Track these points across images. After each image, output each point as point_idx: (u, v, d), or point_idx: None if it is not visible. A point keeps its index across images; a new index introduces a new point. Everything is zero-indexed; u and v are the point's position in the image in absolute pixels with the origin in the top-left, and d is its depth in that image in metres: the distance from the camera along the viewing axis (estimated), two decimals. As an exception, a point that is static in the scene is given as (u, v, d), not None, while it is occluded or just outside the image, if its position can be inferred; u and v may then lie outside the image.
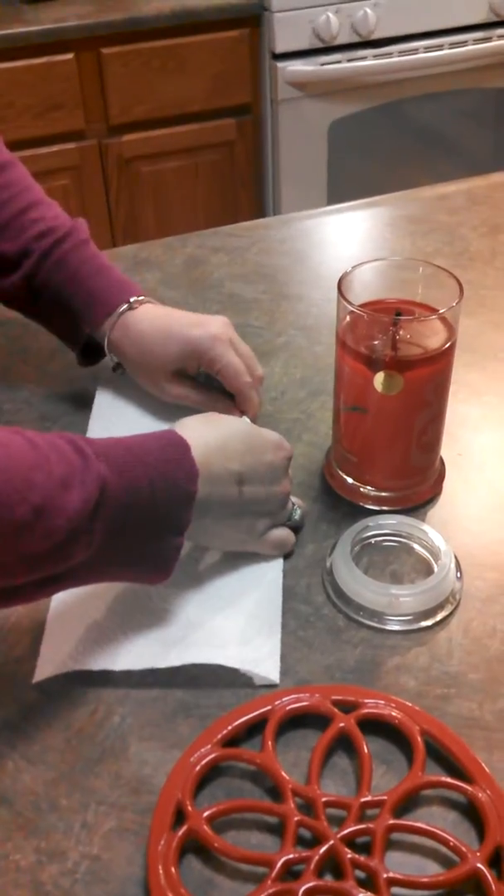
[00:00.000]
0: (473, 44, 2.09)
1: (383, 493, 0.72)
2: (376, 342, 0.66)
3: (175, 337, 0.77)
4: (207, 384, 0.79)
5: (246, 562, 0.67)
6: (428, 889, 0.49)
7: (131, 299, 0.79)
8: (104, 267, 0.81)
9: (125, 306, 0.78)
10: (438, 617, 0.63)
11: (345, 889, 0.48)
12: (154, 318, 0.78)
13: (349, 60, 2.02)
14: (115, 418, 0.81)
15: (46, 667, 0.60)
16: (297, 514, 0.69)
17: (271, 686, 0.59)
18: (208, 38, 1.92)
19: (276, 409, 0.83)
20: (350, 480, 0.73)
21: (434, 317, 0.65)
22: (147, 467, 0.57)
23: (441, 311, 0.65)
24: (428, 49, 2.06)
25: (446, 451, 0.76)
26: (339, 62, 2.01)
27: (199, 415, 0.65)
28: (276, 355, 0.89)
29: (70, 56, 1.84)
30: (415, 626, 0.63)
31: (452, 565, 0.65)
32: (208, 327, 0.76)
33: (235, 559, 0.68)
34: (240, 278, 1.01)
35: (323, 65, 2.00)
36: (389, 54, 2.04)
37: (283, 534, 0.68)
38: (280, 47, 1.95)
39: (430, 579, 0.64)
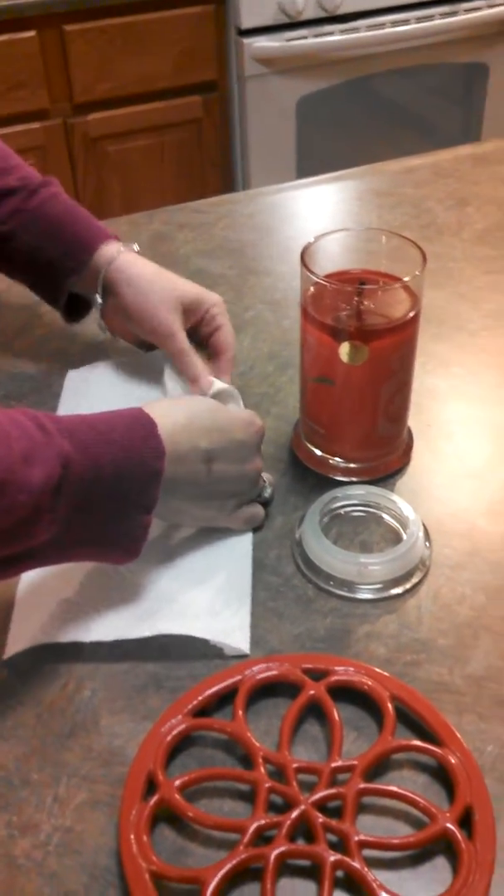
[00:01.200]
0: (440, 18, 2.08)
1: (352, 465, 0.72)
2: (341, 313, 0.66)
3: (182, 283, 0.77)
4: None
5: (216, 535, 0.67)
6: (399, 850, 0.50)
7: (135, 247, 0.79)
8: (85, 214, 0.80)
9: (124, 248, 0.78)
10: (408, 585, 0.64)
11: (317, 852, 0.49)
12: (154, 266, 0.78)
13: (316, 36, 2.00)
14: (84, 402, 0.80)
15: (17, 642, 0.60)
16: (268, 492, 0.69)
17: (242, 656, 0.60)
18: (173, 15, 1.90)
19: (245, 384, 0.82)
20: (318, 452, 0.73)
21: (398, 285, 0.65)
22: (112, 445, 0.56)
23: (405, 280, 0.64)
24: (395, 24, 2.05)
25: (415, 422, 0.76)
26: (305, 38, 1.99)
27: (167, 398, 0.65)
28: (244, 330, 0.89)
29: (32, 34, 1.81)
30: (384, 595, 0.63)
31: (421, 534, 0.66)
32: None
33: (206, 532, 0.68)
34: (206, 254, 1.01)
35: (289, 41, 1.98)
36: (356, 29, 2.02)
37: (253, 510, 0.68)
38: (246, 23, 1.93)
39: (399, 547, 0.64)
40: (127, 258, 0.77)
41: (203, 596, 0.63)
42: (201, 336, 0.78)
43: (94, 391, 0.81)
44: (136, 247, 0.80)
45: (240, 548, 0.67)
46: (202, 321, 0.77)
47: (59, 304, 0.81)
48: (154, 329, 0.76)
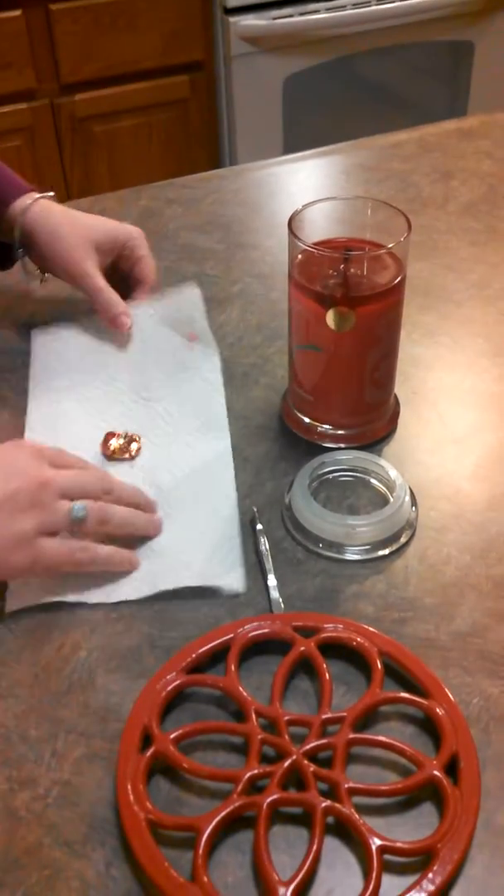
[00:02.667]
0: (426, -5, 2.08)
1: (340, 431, 0.73)
2: (328, 280, 0.67)
3: (96, 223, 0.79)
4: None
5: (200, 492, 0.69)
6: (388, 796, 0.51)
7: (49, 193, 0.80)
8: (5, 172, 0.81)
9: (41, 195, 0.80)
10: (395, 546, 0.65)
11: (307, 799, 0.50)
12: (69, 212, 0.80)
13: (301, 14, 2.00)
14: (56, 364, 0.80)
15: (18, 598, 0.61)
16: (81, 513, 0.62)
17: (234, 616, 0.61)
18: (159, -7, 1.90)
19: (233, 355, 0.83)
20: (307, 420, 0.74)
21: (383, 251, 0.66)
22: None
23: (390, 246, 0.66)
24: (380, 1, 2.05)
25: (401, 389, 0.77)
26: (291, 16, 1.99)
27: None
28: (232, 302, 0.90)
29: (18, 13, 1.80)
30: (372, 556, 0.65)
31: (407, 497, 0.67)
32: (127, 224, 0.81)
33: (189, 482, 0.70)
34: (195, 229, 1.01)
35: (275, 19, 1.98)
36: (342, 7, 2.02)
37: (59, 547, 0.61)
38: (232, 1, 1.93)
39: (386, 509, 0.65)
40: (40, 207, 0.79)
41: (194, 545, 0.65)
42: (122, 271, 0.80)
43: (63, 351, 0.81)
44: (51, 194, 0.81)
45: (223, 490, 0.69)
46: (121, 257, 0.79)
47: None
48: (68, 271, 0.79)
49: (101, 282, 0.78)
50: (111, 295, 0.78)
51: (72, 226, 0.79)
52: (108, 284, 0.79)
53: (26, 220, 0.79)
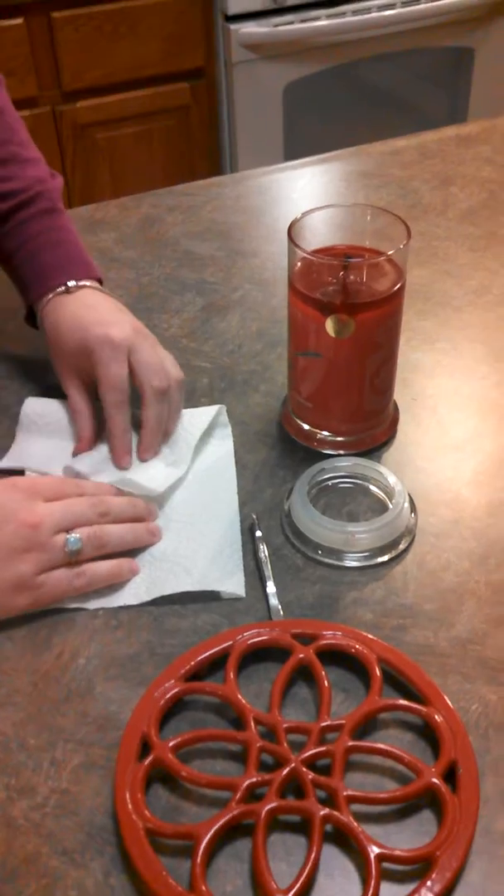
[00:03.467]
0: (426, 2, 2.08)
1: (339, 438, 0.73)
2: (327, 287, 0.67)
3: (79, 332, 0.71)
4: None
5: (202, 495, 0.70)
6: (386, 804, 0.51)
7: (69, 283, 0.75)
8: (62, 241, 0.78)
9: (61, 289, 0.75)
10: (394, 552, 0.65)
11: (306, 807, 0.50)
12: (79, 307, 0.73)
13: (302, 21, 2.01)
14: (38, 438, 0.75)
15: None
16: (76, 545, 0.62)
17: (232, 623, 0.61)
18: (160, 1, 1.90)
19: (234, 362, 0.84)
20: (306, 427, 0.74)
21: (382, 258, 0.66)
22: None
23: (389, 253, 0.66)
24: (381, 8, 2.05)
25: (400, 395, 0.77)
26: (292, 23, 2.00)
27: None
28: (233, 309, 0.90)
29: (20, 21, 1.81)
30: (371, 562, 0.65)
31: (406, 504, 0.67)
32: (109, 328, 0.70)
33: (191, 495, 0.70)
34: (195, 236, 1.02)
35: (276, 26, 1.99)
36: (342, 14, 2.03)
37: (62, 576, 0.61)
38: (232, 9, 1.94)
39: (385, 516, 0.65)
40: (51, 306, 0.75)
41: (194, 549, 0.65)
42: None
43: (50, 425, 0.76)
44: (86, 283, 0.76)
45: (225, 494, 0.69)
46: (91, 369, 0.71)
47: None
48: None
49: (73, 402, 0.73)
50: (82, 422, 0.72)
51: (55, 337, 0.73)
52: (85, 400, 0.73)
53: (41, 315, 0.76)
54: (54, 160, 2.00)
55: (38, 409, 0.76)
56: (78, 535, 0.62)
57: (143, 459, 0.71)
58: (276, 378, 0.82)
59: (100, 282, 0.78)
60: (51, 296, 0.75)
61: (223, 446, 0.74)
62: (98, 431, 0.73)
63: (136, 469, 0.70)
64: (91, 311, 0.73)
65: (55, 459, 0.72)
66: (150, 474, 0.70)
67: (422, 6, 2.08)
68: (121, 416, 0.70)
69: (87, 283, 0.76)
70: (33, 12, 1.82)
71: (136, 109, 2.01)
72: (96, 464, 0.70)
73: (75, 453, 0.72)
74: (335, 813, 0.50)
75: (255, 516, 0.68)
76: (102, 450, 0.71)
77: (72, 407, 0.73)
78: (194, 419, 0.74)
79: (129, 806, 0.50)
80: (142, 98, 2.00)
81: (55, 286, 0.75)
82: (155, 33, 1.93)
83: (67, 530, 0.62)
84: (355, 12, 2.04)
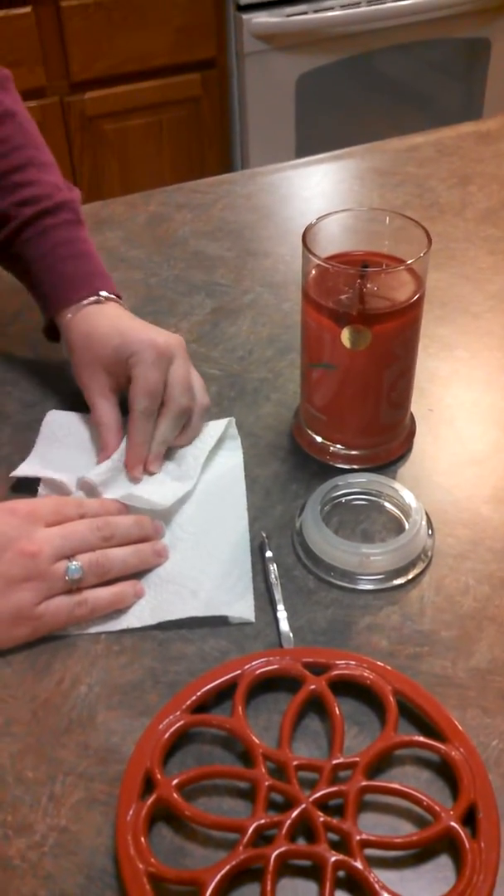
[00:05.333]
0: (441, -8, 2.05)
1: (353, 452, 0.70)
2: (343, 296, 0.64)
3: (118, 337, 0.69)
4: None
5: (210, 511, 0.67)
6: (401, 849, 0.49)
7: (101, 293, 0.73)
8: (83, 253, 0.76)
9: (93, 298, 0.72)
10: (410, 575, 0.62)
11: (318, 853, 0.48)
12: (114, 318, 0.71)
13: (315, 11, 1.97)
14: (58, 450, 0.72)
15: None
16: (77, 573, 0.59)
17: (241, 649, 0.58)
18: (170, -11, 1.87)
19: (244, 369, 0.81)
20: (319, 439, 0.71)
21: (402, 268, 0.63)
22: None
23: (409, 262, 0.63)
24: (395, -2, 2.01)
25: (417, 406, 0.74)
26: (305, 13, 1.96)
27: None
28: (243, 313, 0.87)
29: (28, 10, 1.78)
30: (386, 585, 0.62)
31: (423, 522, 0.64)
32: (155, 334, 0.69)
33: (198, 508, 0.67)
34: (205, 235, 0.99)
35: (289, 16, 1.95)
36: (357, 4, 1.99)
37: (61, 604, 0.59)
38: (244, -2, 1.90)
39: (401, 537, 0.63)
40: (77, 318, 0.72)
41: (202, 571, 0.63)
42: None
43: (70, 436, 0.73)
44: (103, 294, 0.73)
45: (234, 511, 0.67)
46: (128, 370, 0.69)
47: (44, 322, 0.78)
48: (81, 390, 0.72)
49: (100, 412, 0.70)
50: (108, 436, 0.69)
51: (86, 345, 0.70)
52: (113, 411, 0.70)
53: (64, 330, 0.73)
54: (62, 152, 1.96)
55: (61, 420, 0.74)
56: (79, 563, 0.59)
57: (148, 472, 0.68)
58: (288, 386, 0.79)
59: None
60: (82, 304, 0.72)
61: (232, 459, 0.72)
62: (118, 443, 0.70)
63: (143, 483, 0.68)
64: (130, 321, 0.71)
65: (72, 469, 0.69)
66: (156, 489, 0.67)
67: (437, -4, 2.04)
68: (145, 426, 0.68)
69: (114, 297, 0.74)
70: (42, 1, 1.78)
71: (146, 100, 1.98)
72: (106, 474, 0.67)
73: (99, 462, 0.69)
74: (348, 859, 0.47)
75: (265, 535, 0.65)
76: (115, 459, 0.69)
77: (97, 419, 0.70)
78: (203, 433, 0.71)
79: (132, 850, 0.47)
80: (151, 89, 1.97)
81: (85, 296, 0.73)
82: (165, 23, 1.90)
83: (68, 557, 0.59)
84: (369, 2, 2.00)
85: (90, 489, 0.67)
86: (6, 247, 0.76)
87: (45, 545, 0.58)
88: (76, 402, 0.75)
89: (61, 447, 0.72)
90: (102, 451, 0.70)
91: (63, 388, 0.78)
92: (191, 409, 0.69)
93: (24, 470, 0.69)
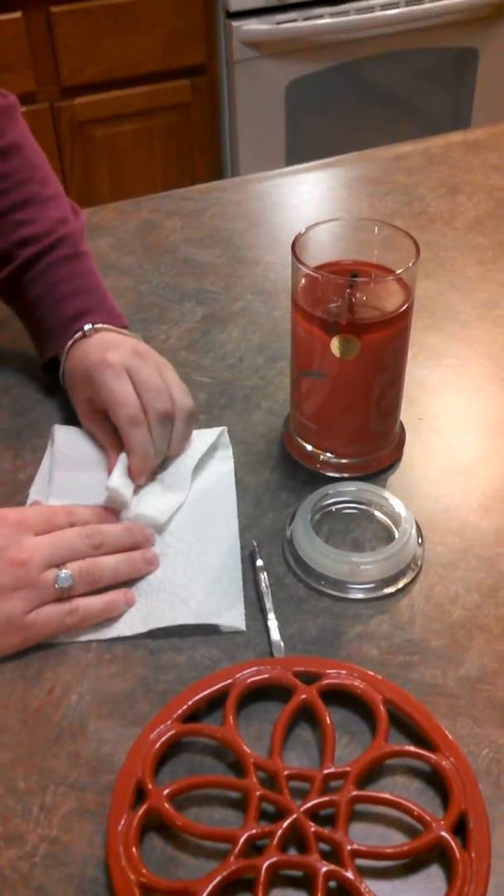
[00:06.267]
0: (430, 2, 2.06)
1: (343, 460, 0.70)
2: (332, 305, 0.64)
3: (81, 366, 0.70)
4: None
5: (201, 520, 0.67)
6: (392, 859, 0.49)
7: (85, 327, 0.72)
8: (84, 289, 0.76)
9: (79, 335, 0.73)
10: (400, 584, 0.63)
11: (309, 863, 0.48)
12: (89, 347, 0.71)
13: (305, 19, 1.98)
14: (72, 460, 0.72)
15: None
16: (67, 581, 0.59)
17: (232, 658, 0.58)
18: (160, -4, 1.87)
19: (234, 377, 0.81)
20: (309, 448, 0.71)
21: (390, 278, 0.64)
22: None
23: (398, 272, 0.63)
24: (384, 7, 2.02)
25: (406, 415, 0.75)
26: (295, 21, 1.97)
27: None
28: (233, 321, 0.87)
29: (17, 15, 1.78)
30: (377, 594, 0.62)
31: (413, 531, 0.64)
32: (106, 353, 0.69)
33: (189, 520, 0.67)
34: (195, 242, 0.99)
35: (279, 23, 1.96)
36: (346, 12, 2.00)
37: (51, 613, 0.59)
38: (234, 5, 1.91)
39: (391, 546, 0.63)
40: (71, 352, 0.73)
41: (192, 580, 0.62)
42: None
43: (83, 458, 0.72)
44: (103, 326, 0.73)
45: (225, 519, 0.67)
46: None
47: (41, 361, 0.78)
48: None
49: (100, 438, 0.71)
50: (112, 456, 0.69)
51: (70, 385, 0.73)
52: (109, 436, 0.70)
53: (64, 359, 0.74)
54: (52, 157, 1.95)
55: (67, 441, 0.73)
56: (69, 572, 0.59)
57: (136, 483, 0.68)
58: (278, 394, 0.79)
59: (124, 327, 0.76)
60: (69, 344, 0.73)
61: (223, 467, 0.72)
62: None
63: (141, 498, 0.67)
64: (97, 351, 0.70)
65: (91, 493, 0.68)
66: (153, 501, 0.67)
67: (425, 6, 2.06)
68: (137, 432, 0.67)
69: (105, 325, 0.74)
70: (32, 6, 1.79)
71: (136, 106, 1.98)
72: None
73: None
74: (339, 869, 0.47)
75: (255, 543, 0.65)
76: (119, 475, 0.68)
77: (101, 443, 0.71)
78: (194, 442, 0.71)
79: (123, 860, 0.47)
80: (142, 95, 1.97)
81: (72, 334, 0.73)
82: (155, 29, 1.90)
83: (59, 565, 0.59)
84: (358, 11, 2.01)
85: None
86: (11, 287, 0.77)
87: (35, 553, 0.58)
88: (67, 411, 0.75)
89: (76, 471, 0.71)
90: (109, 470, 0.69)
91: (54, 395, 0.78)
92: (170, 412, 0.68)
93: (49, 497, 0.68)
